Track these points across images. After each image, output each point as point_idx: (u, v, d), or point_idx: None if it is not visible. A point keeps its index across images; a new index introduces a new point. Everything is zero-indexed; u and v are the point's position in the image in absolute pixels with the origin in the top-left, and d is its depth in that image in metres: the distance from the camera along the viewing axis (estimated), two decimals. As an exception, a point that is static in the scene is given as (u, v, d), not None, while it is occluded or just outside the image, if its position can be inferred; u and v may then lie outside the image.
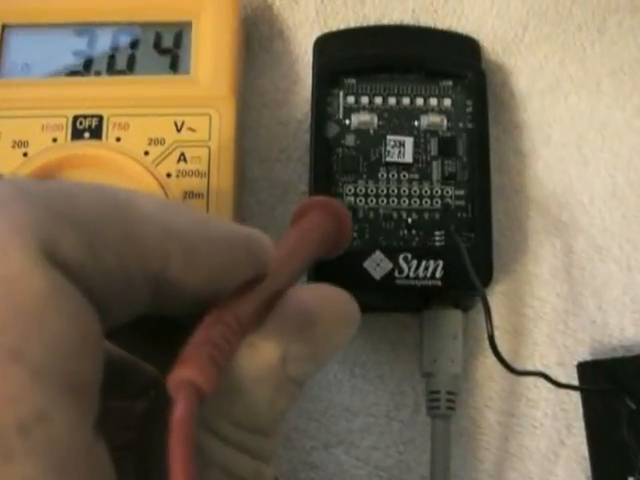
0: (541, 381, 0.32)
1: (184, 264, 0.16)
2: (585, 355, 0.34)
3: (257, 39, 0.37)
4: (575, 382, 0.34)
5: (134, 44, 0.35)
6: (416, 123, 0.34)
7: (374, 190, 0.33)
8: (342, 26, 0.37)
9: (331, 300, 0.20)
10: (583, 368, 0.34)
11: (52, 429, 0.13)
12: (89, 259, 0.15)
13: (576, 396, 0.33)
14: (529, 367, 0.34)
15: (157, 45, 0.35)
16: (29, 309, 0.14)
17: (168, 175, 0.33)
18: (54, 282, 0.14)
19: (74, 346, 0.14)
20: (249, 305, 0.17)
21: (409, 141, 0.34)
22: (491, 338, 0.30)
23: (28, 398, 0.13)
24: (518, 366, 0.32)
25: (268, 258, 0.18)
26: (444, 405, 0.33)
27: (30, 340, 0.13)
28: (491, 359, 0.34)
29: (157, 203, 0.17)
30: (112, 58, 0.35)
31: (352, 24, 0.37)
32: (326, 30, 0.37)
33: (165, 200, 0.17)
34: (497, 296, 0.35)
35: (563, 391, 0.33)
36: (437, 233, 0.33)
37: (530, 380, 0.34)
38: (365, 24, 0.37)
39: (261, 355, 0.18)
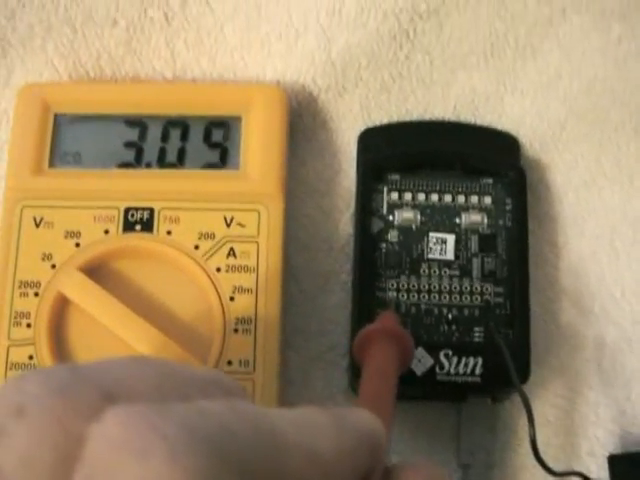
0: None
1: None
2: (615, 446, 0.35)
3: (301, 129, 0.38)
4: (606, 472, 0.35)
5: (184, 137, 0.36)
6: (457, 220, 0.35)
7: (416, 286, 0.34)
8: (385, 120, 0.37)
9: None
10: (614, 460, 0.35)
11: None
12: None
13: (606, 487, 0.35)
14: (560, 457, 0.35)
15: (207, 139, 0.36)
16: None
17: (218, 270, 0.33)
18: None
19: None
20: None
21: (451, 239, 0.35)
22: (533, 442, 0.31)
23: None
24: (549, 455, 0.33)
25: (384, 453, 0.19)
26: (480, 497, 0.34)
27: None
28: (525, 449, 0.35)
29: (295, 423, 0.17)
30: (163, 150, 0.35)
31: (395, 118, 0.37)
32: (369, 123, 0.37)
33: (299, 414, 0.18)
34: (529, 386, 0.36)
35: (594, 481, 0.34)
36: (477, 329, 0.34)
37: (563, 470, 0.35)
38: (408, 119, 0.37)
39: None
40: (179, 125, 0.36)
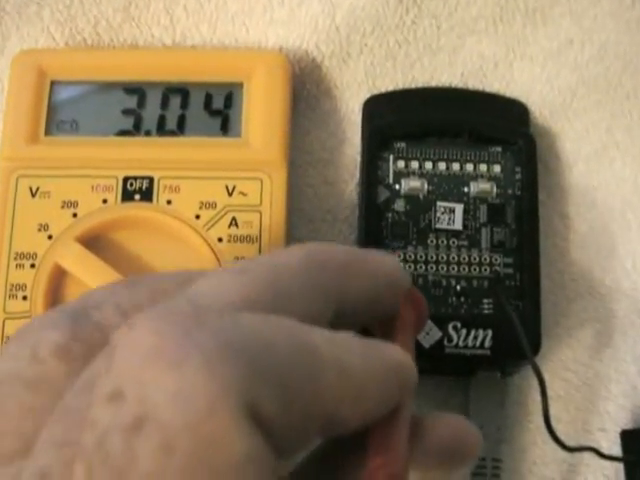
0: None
1: (353, 406, 0.17)
2: (627, 421, 0.34)
3: (304, 97, 0.37)
4: (618, 447, 0.34)
5: (184, 104, 0.35)
6: (466, 189, 0.34)
7: (423, 256, 0.33)
8: (390, 87, 0.36)
9: (467, 441, 0.20)
10: (627, 436, 0.34)
11: None
12: (282, 414, 0.15)
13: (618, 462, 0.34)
14: (571, 432, 0.34)
15: (207, 106, 0.35)
16: (228, 473, 0.14)
17: (219, 240, 0.33)
18: (254, 445, 0.14)
19: None
20: (403, 451, 0.18)
21: (459, 208, 0.34)
22: (547, 417, 0.30)
23: None
24: (560, 431, 0.33)
25: (413, 391, 0.19)
26: (490, 472, 0.33)
27: None
28: (535, 424, 0.34)
29: (330, 340, 0.17)
30: (162, 118, 0.34)
31: (400, 86, 0.36)
32: (374, 90, 0.36)
33: (332, 334, 0.17)
34: (539, 360, 0.35)
35: (605, 458, 0.34)
36: (486, 301, 0.33)
37: (573, 446, 0.34)
38: (414, 86, 0.36)
39: None
40: (179, 92, 0.35)
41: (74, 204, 0.33)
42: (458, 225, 0.34)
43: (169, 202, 0.33)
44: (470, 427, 0.21)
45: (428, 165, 0.34)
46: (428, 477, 0.20)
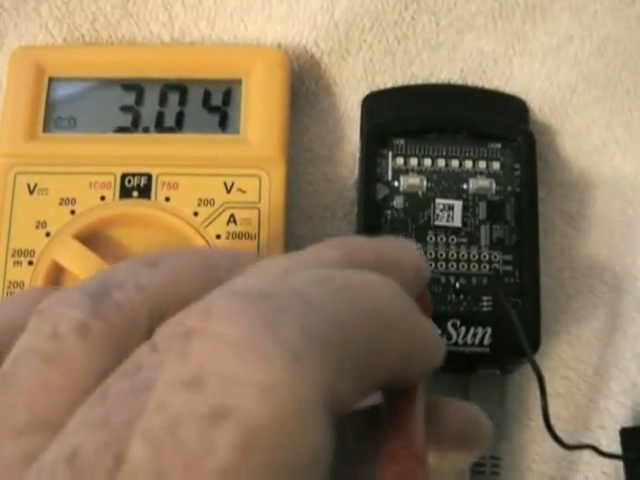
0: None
1: (412, 359, 0.17)
2: (627, 418, 0.34)
3: (303, 94, 0.37)
4: (617, 445, 0.34)
5: (182, 101, 0.34)
6: (465, 186, 0.34)
7: (422, 254, 0.33)
8: (390, 84, 0.36)
9: (478, 426, 0.20)
10: (626, 434, 0.34)
11: None
12: (354, 391, 0.15)
13: (617, 460, 0.34)
14: (570, 430, 0.34)
15: (206, 103, 0.34)
16: (303, 468, 0.14)
17: (218, 237, 0.32)
18: (328, 438, 0.14)
19: None
20: (422, 432, 0.17)
21: (458, 205, 0.34)
22: (546, 415, 0.30)
23: None
24: (560, 429, 0.32)
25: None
26: (489, 470, 0.33)
27: None
28: (534, 422, 0.34)
29: (396, 300, 0.17)
30: (160, 115, 0.34)
31: (400, 82, 0.36)
32: (373, 87, 0.36)
33: (393, 290, 0.18)
34: (539, 358, 0.35)
35: (605, 455, 0.33)
36: (485, 298, 0.33)
37: (572, 443, 0.34)
38: (413, 82, 0.36)
39: None
40: (177, 89, 0.35)
41: (72, 201, 0.33)
42: (457, 222, 0.34)
43: (167, 199, 0.33)
44: (481, 413, 0.21)
45: (427, 162, 0.34)
46: (439, 462, 0.20)
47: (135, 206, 0.33)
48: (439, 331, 0.20)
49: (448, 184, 0.34)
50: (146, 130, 0.34)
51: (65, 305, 0.18)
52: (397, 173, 0.34)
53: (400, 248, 0.21)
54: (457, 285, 0.33)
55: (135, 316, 0.18)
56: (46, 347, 0.18)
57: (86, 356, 0.18)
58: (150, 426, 0.14)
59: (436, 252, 0.33)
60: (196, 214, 0.33)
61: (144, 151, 0.34)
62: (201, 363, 0.14)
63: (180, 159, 0.33)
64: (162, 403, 0.14)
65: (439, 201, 0.34)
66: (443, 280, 0.33)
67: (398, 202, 0.34)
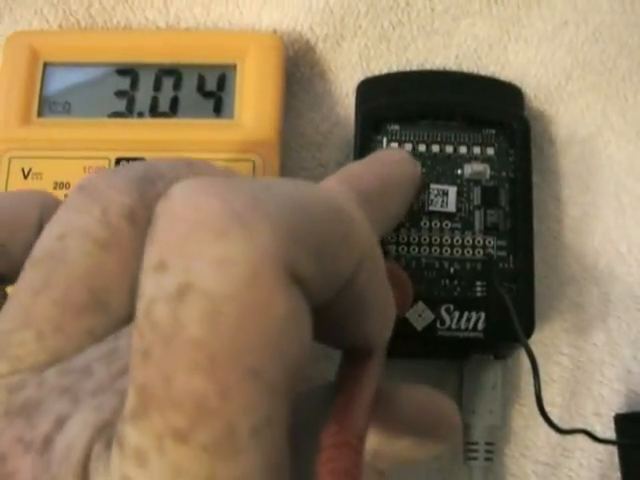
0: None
1: (363, 284, 0.17)
2: (621, 405, 0.34)
3: (297, 80, 0.37)
4: (612, 432, 0.34)
5: (177, 86, 0.34)
6: (459, 172, 0.34)
7: (416, 239, 0.33)
8: (385, 70, 0.36)
9: (439, 414, 0.21)
10: (620, 420, 0.34)
11: (275, 432, 0.15)
12: (317, 272, 0.15)
13: (612, 447, 0.34)
14: (564, 416, 0.34)
15: (200, 88, 0.34)
16: (272, 334, 0.14)
17: (212, 221, 0.32)
18: (295, 306, 0.15)
19: (299, 363, 0.15)
20: (362, 418, 0.17)
21: (452, 190, 0.34)
22: (539, 398, 0.30)
23: (261, 408, 0.14)
24: (554, 416, 0.32)
25: None
26: (482, 456, 0.33)
27: (268, 362, 0.14)
28: (528, 408, 0.34)
29: (348, 195, 0.18)
30: (155, 100, 0.34)
31: (395, 68, 0.36)
32: (368, 73, 0.36)
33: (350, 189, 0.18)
34: (533, 344, 0.35)
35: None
36: (479, 284, 0.33)
37: (566, 430, 0.34)
38: (408, 69, 0.36)
39: None
40: (172, 74, 0.35)
41: (66, 185, 0.33)
42: (452, 207, 0.33)
43: (161, 183, 0.33)
44: (448, 404, 0.21)
45: (422, 147, 0.34)
46: (396, 445, 0.20)
47: (129, 190, 0.33)
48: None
49: (442, 169, 0.34)
50: (141, 115, 0.34)
51: (114, 189, 0.19)
52: (391, 158, 0.34)
53: (397, 162, 0.24)
54: (451, 270, 0.33)
55: None
56: (98, 231, 0.18)
57: (135, 243, 0.18)
58: (137, 312, 0.15)
59: (430, 237, 0.33)
60: (190, 199, 0.33)
61: (139, 136, 0.34)
62: (162, 245, 0.15)
63: (175, 144, 0.33)
64: (141, 290, 0.15)
65: (433, 186, 0.34)
66: (437, 265, 0.33)
67: (392, 187, 0.34)
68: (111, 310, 0.18)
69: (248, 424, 0.14)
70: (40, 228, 0.21)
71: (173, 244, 0.15)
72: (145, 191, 0.19)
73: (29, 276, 0.18)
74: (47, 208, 0.22)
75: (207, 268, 0.14)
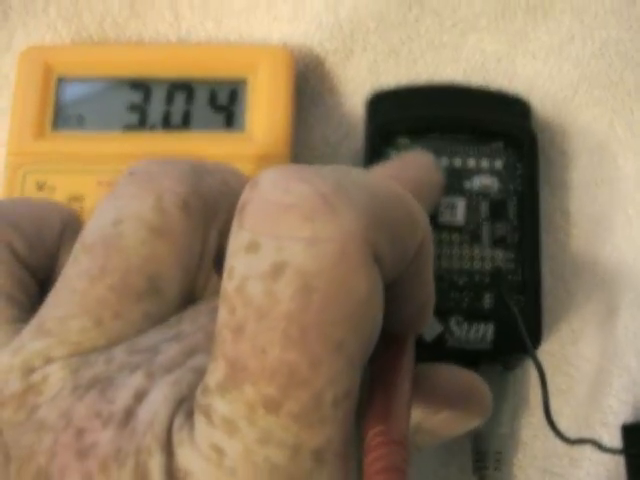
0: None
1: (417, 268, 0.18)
2: (628, 415, 0.35)
3: (308, 94, 0.37)
4: (619, 442, 0.34)
5: (189, 100, 0.35)
6: (468, 185, 0.34)
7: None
8: (394, 83, 0.37)
9: (478, 390, 0.23)
10: (628, 430, 0.34)
11: (350, 404, 0.16)
12: (392, 254, 0.17)
13: (619, 456, 0.34)
14: (572, 427, 0.35)
15: (212, 101, 0.35)
16: (355, 309, 0.16)
17: (224, 234, 0.33)
18: (375, 283, 0.16)
19: (372, 339, 0.16)
20: (405, 413, 0.18)
21: (461, 203, 0.34)
22: (547, 409, 0.30)
23: (342, 380, 0.16)
24: (562, 425, 0.33)
25: None
26: (492, 465, 0.33)
27: (350, 336, 0.16)
28: (536, 418, 0.35)
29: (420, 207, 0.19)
30: (167, 113, 0.35)
31: (403, 82, 0.37)
32: (377, 86, 0.37)
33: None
34: (541, 355, 0.35)
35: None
36: (487, 296, 0.33)
37: (574, 439, 0.34)
38: (417, 82, 0.37)
39: None
40: (184, 88, 0.35)
41: (80, 199, 0.33)
42: (460, 220, 0.34)
43: (174, 196, 0.33)
44: (479, 380, 0.23)
45: (431, 160, 0.35)
46: (436, 419, 0.21)
47: (142, 203, 0.33)
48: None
49: (451, 182, 0.34)
50: (153, 128, 0.35)
51: (168, 177, 0.19)
52: (401, 171, 0.34)
53: (426, 167, 0.27)
54: (460, 282, 0.33)
55: (216, 205, 0.20)
56: (152, 218, 0.19)
57: (187, 233, 0.19)
58: (223, 290, 0.16)
59: (440, 250, 0.34)
60: (202, 213, 0.33)
61: (152, 149, 0.34)
62: (254, 227, 0.16)
63: (187, 156, 0.34)
64: (230, 269, 0.16)
65: (442, 199, 0.34)
66: (446, 277, 0.33)
67: (402, 200, 0.34)
68: (165, 296, 0.19)
69: (331, 395, 0.15)
70: (61, 239, 0.22)
71: (265, 226, 0.16)
72: (197, 182, 0.20)
73: (82, 261, 0.19)
74: (69, 221, 0.22)
75: (300, 248, 0.15)
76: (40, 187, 0.34)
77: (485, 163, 0.35)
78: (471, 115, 0.35)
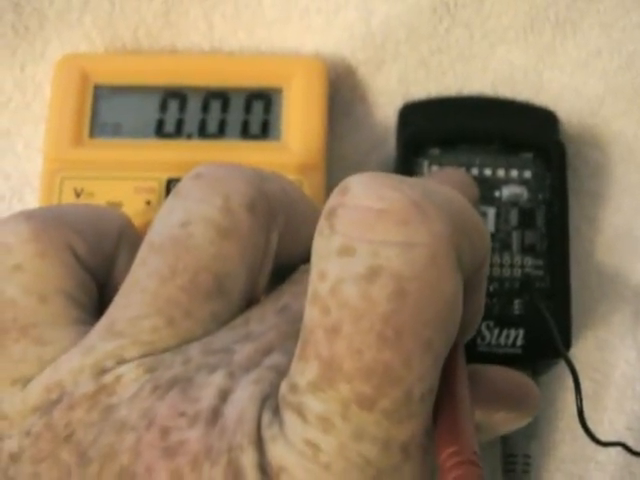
0: (609, 444, 0.34)
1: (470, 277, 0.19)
2: (652, 420, 0.35)
3: (339, 103, 0.38)
4: (643, 446, 0.35)
5: (225, 108, 0.36)
6: (497, 194, 0.35)
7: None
8: (423, 94, 0.37)
9: (528, 388, 0.23)
10: (653, 434, 0.35)
11: (432, 400, 0.17)
12: (470, 259, 0.18)
13: (644, 460, 0.35)
14: (598, 431, 0.35)
15: (247, 110, 0.35)
16: (443, 310, 0.16)
17: (260, 241, 0.33)
18: (459, 286, 0.17)
19: (452, 339, 0.17)
20: (471, 431, 0.18)
21: (491, 212, 0.35)
22: (580, 412, 0.31)
23: (429, 376, 0.16)
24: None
25: None
26: (520, 468, 0.34)
27: (438, 336, 0.16)
28: (564, 422, 0.35)
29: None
30: (203, 122, 0.35)
31: (433, 93, 0.37)
32: (407, 97, 0.37)
33: None
34: (567, 360, 0.36)
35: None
36: (517, 302, 0.34)
37: (599, 443, 0.35)
38: (446, 93, 0.37)
39: None
40: (220, 97, 0.36)
41: (118, 205, 0.34)
42: (490, 228, 0.35)
43: (211, 204, 0.34)
44: (526, 378, 0.24)
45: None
46: (493, 418, 0.23)
47: (180, 210, 0.34)
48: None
49: (481, 192, 0.35)
50: (190, 136, 0.35)
51: (235, 179, 0.20)
52: (432, 180, 0.35)
53: (463, 183, 0.29)
54: (491, 288, 0.34)
55: (277, 209, 0.20)
56: (220, 220, 0.19)
57: (253, 233, 0.20)
58: (314, 292, 0.16)
59: (470, 257, 0.34)
60: (239, 219, 0.34)
61: (188, 157, 0.35)
62: (347, 232, 0.16)
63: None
64: (321, 272, 0.16)
65: (474, 208, 0.35)
66: (477, 284, 0.34)
67: (433, 209, 0.35)
68: (230, 295, 0.19)
69: (420, 391, 0.16)
70: (118, 244, 0.22)
71: (359, 231, 0.16)
72: (261, 185, 0.20)
73: (152, 262, 0.19)
74: (125, 227, 0.23)
75: (394, 252, 0.16)
76: (78, 194, 0.34)
77: (514, 173, 0.35)
78: (501, 126, 0.36)
